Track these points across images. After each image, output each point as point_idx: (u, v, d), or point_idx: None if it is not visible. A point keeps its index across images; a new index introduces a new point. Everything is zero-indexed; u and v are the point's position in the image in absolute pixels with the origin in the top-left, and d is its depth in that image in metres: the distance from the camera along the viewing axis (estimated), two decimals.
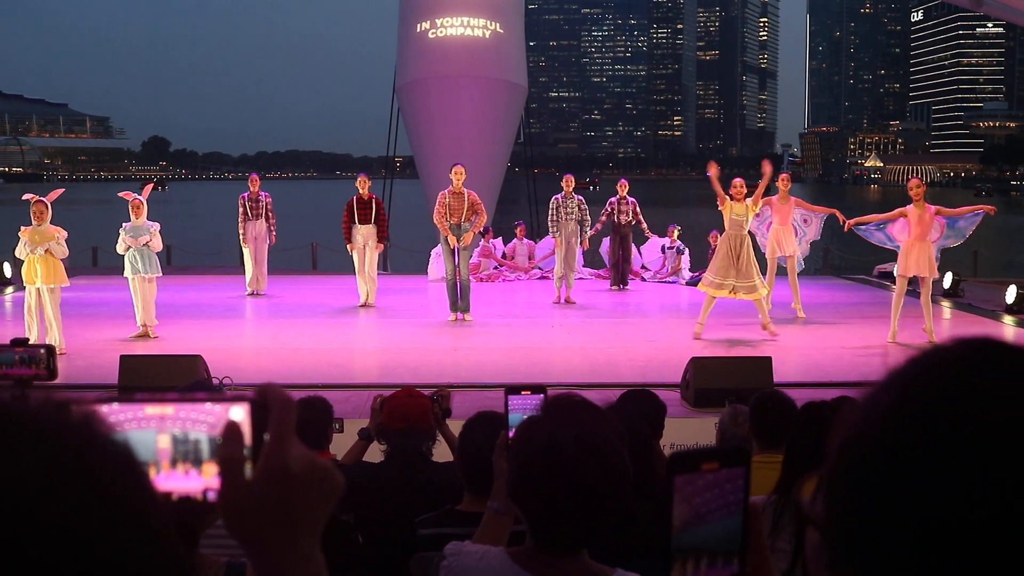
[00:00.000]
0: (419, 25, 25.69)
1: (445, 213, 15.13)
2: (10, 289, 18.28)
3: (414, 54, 25.90)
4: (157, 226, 13.63)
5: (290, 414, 1.01)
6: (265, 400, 1.01)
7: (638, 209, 19.40)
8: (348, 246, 16.81)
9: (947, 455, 0.80)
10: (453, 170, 15.20)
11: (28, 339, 9.25)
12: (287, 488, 1.01)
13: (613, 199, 19.23)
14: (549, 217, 17.71)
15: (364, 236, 16.66)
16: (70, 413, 0.78)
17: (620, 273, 19.35)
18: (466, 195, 15.17)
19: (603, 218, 19.25)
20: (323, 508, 1.04)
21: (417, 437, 4.94)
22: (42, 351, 7.18)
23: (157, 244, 13.65)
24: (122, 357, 9.96)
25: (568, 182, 17.84)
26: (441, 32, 25.45)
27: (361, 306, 16.52)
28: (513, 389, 2.69)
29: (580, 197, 17.79)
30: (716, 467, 1.37)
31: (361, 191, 16.70)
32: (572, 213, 17.56)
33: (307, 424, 5.43)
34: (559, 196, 17.63)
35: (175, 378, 8.68)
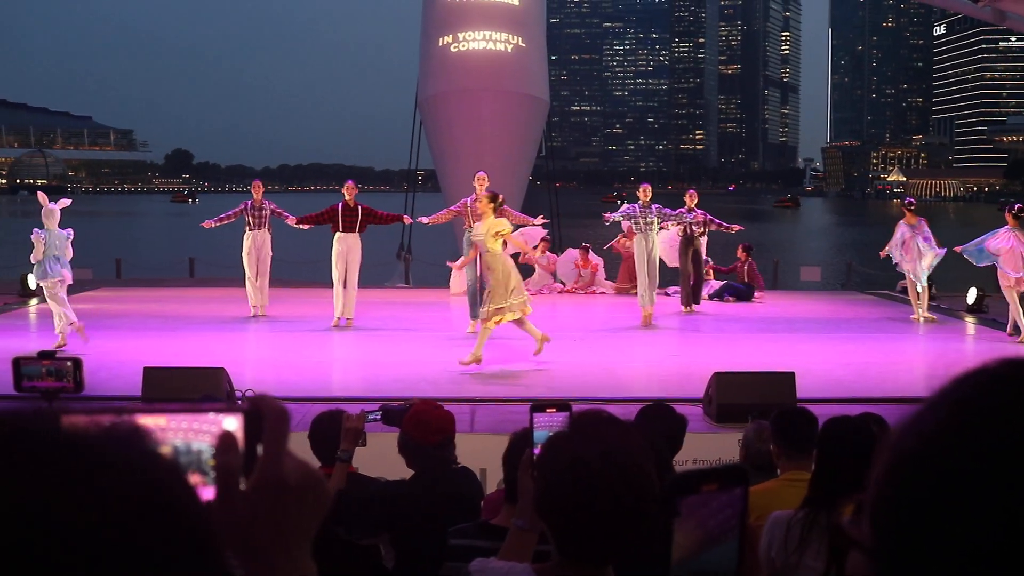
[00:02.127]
0: (441, 39, 25.75)
1: (468, 222, 14.95)
2: (34, 300, 18.35)
3: (436, 68, 25.96)
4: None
5: (284, 424, 1.02)
6: (259, 410, 1.02)
7: (711, 218, 18.63)
8: (303, 225, 16.23)
9: (998, 475, 0.80)
10: (476, 177, 15.09)
11: (55, 352, 9.30)
12: (282, 497, 1.02)
13: (682, 209, 18.11)
14: (629, 227, 16.72)
15: (347, 245, 15.85)
16: (123, 431, 0.79)
17: (693, 291, 18.25)
18: None
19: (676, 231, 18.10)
20: (315, 517, 1.06)
21: (451, 447, 4.98)
22: (69, 364, 7.23)
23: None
24: (146, 369, 9.99)
25: (646, 191, 16.84)
26: (463, 46, 25.50)
27: (334, 325, 15.72)
28: (538, 407, 2.70)
29: (659, 205, 16.74)
30: (715, 488, 1.36)
31: (347, 197, 15.96)
32: (652, 223, 16.53)
33: (330, 438, 5.46)
34: (636, 205, 16.67)
35: (198, 390, 8.72)
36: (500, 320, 12.52)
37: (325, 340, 14.87)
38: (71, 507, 0.70)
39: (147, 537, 0.73)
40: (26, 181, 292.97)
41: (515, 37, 25.64)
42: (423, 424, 4.96)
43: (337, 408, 5.99)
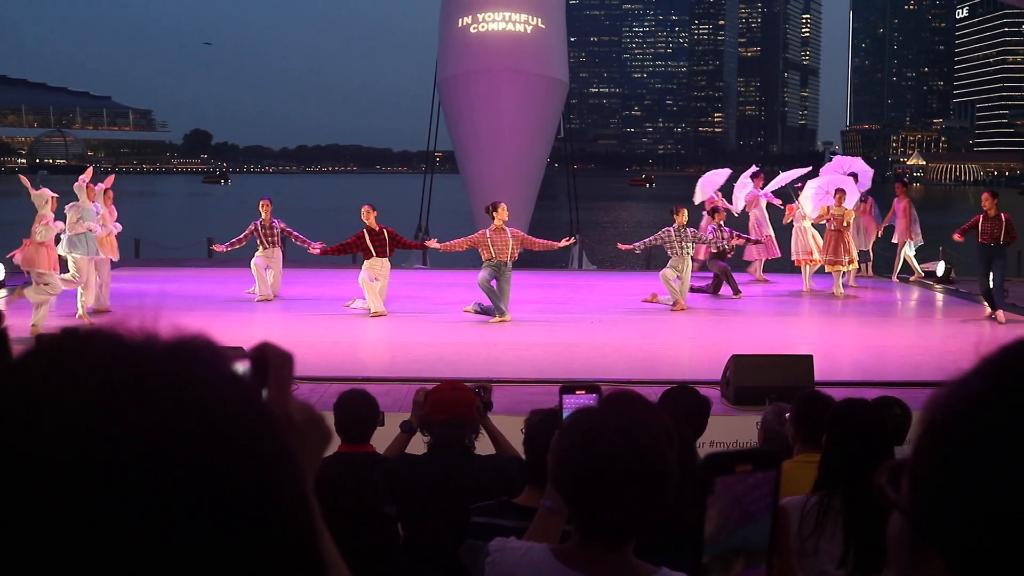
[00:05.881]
0: (461, 20, 25.71)
1: (489, 253, 14.62)
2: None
3: (456, 49, 25.93)
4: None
5: (288, 368, 1.04)
6: (264, 356, 1.04)
7: (737, 233, 18.17)
8: (328, 253, 16.06)
9: None
10: (499, 207, 14.81)
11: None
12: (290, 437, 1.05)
13: (712, 226, 17.79)
14: (667, 247, 16.17)
15: (384, 270, 15.40)
16: (196, 347, 0.81)
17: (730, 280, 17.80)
18: (509, 233, 14.72)
19: (738, 241, 17.85)
20: (318, 453, 1.08)
21: (460, 429, 4.98)
22: None
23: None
24: None
25: (682, 214, 16.20)
26: (483, 27, 25.45)
27: (376, 314, 15.12)
28: (568, 388, 2.70)
29: (693, 229, 16.64)
30: (749, 469, 1.37)
31: (369, 223, 15.23)
32: (687, 248, 16.13)
33: (355, 420, 5.50)
34: (671, 228, 16.17)
35: None
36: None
37: (343, 322, 14.89)
38: (156, 435, 0.70)
39: (234, 454, 0.73)
40: (46, 161, 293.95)
41: (534, 18, 25.58)
42: (435, 403, 5.01)
43: (358, 388, 6.02)
